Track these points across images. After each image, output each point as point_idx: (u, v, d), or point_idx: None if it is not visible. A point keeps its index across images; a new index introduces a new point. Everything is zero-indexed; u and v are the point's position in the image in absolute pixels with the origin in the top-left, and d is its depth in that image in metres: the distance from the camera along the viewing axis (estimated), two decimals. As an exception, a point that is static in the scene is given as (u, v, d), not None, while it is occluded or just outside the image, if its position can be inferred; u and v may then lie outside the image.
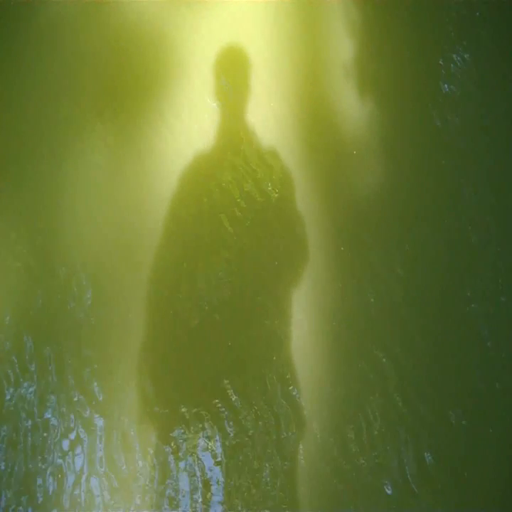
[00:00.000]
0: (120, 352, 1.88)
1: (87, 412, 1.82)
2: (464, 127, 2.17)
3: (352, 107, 2.18)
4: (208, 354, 1.89)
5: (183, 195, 2.06)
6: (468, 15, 2.32)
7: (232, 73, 2.22)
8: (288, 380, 1.86)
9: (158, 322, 1.92)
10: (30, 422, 1.81)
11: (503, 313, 1.95)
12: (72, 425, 1.81)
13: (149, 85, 2.21)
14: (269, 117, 2.16)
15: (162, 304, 1.94)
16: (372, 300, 1.95)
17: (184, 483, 1.77)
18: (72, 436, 1.80)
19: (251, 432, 1.81)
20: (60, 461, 1.78)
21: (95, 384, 1.85)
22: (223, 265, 1.98)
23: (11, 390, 1.84)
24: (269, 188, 2.07)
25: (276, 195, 2.07)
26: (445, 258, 2.01)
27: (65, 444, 1.80)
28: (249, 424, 1.82)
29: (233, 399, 1.84)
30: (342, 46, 2.25)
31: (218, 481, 1.77)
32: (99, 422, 1.82)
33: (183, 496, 1.76)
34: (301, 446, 1.80)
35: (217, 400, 1.84)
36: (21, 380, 1.85)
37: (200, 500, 1.75)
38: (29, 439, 1.80)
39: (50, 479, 1.76)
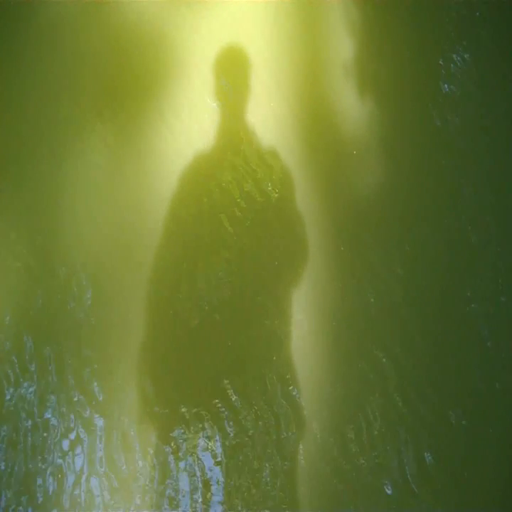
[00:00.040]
0: (120, 352, 1.88)
1: (87, 412, 1.82)
2: (464, 127, 2.17)
3: (352, 107, 2.18)
4: (208, 354, 1.89)
5: (183, 195, 2.06)
6: (468, 15, 2.32)
7: (232, 73, 2.22)
8: (288, 380, 1.86)
9: (158, 322, 1.92)
10: (30, 422, 1.81)
11: (503, 313, 1.95)
12: (72, 425, 1.81)
13: (149, 85, 2.21)
14: (269, 117, 2.16)
15: (162, 303, 1.94)
16: (372, 300, 1.95)
17: (184, 483, 1.77)
18: (72, 436, 1.80)
19: (251, 432, 1.81)
20: (60, 461, 1.78)
21: (95, 384, 1.85)
22: (223, 265, 1.98)
23: (11, 390, 1.84)
24: (269, 188, 2.07)
25: (276, 195, 2.07)
26: (445, 258, 2.01)
27: (65, 444, 1.80)
28: (249, 424, 1.82)
29: (233, 399, 1.84)
30: (342, 46, 2.25)
31: (218, 481, 1.77)
32: (99, 422, 1.82)
33: (183, 496, 1.76)
34: (301, 446, 1.80)
35: (217, 400, 1.84)
36: (21, 380, 1.85)
37: (200, 500, 1.75)
38: (29, 439, 1.80)
39: (50, 479, 1.76)
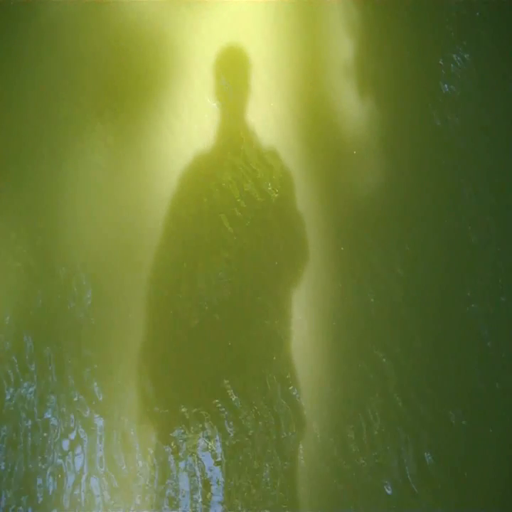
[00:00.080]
0: (120, 352, 1.88)
1: (87, 412, 1.82)
2: (464, 127, 2.17)
3: (352, 107, 2.18)
4: (208, 354, 1.89)
5: (183, 195, 2.06)
6: (468, 15, 2.32)
7: (232, 73, 2.22)
8: (288, 380, 1.86)
9: (158, 322, 1.92)
10: (30, 422, 1.81)
11: (503, 313, 1.95)
12: (72, 425, 1.81)
13: (149, 85, 2.21)
14: (269, 117, 2.16)
15: (162, 303, 1.94)
16: (372, 300, 1.95)
17: (184, 483, 1.77)
18: (72, 436, 1.80)
19: (251, 432, 1.81)
20: (60, 461, 1.78)
21: (95, 384, 1.85)
22: (223, 265, 1.98)
23: (11, 390, 1.84)
24: (269, 188, 2.07)
25: (276, 195, 2.07)
26: (445, 258, 2.01)
27: (65, 444, 1.80)
28: (249, 424, 1.82)
29: (233, 399, 1.84)
30: (342, 46, 2.25)
31: (218, 481, 1.77)
32: (99, 422, 1.82)
33: (183, 496, 1.76)
34: (301, 446, 1.80)
35: (217, 400, 1.84)
36: (21, 380, 1.85)
37: (200, 500, 1.75)
38: (29, 439, 1.80)
39: (50, 479, 1.76)
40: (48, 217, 2.04)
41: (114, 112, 2.17)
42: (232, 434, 1.81)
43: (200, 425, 1.82)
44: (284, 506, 1.75)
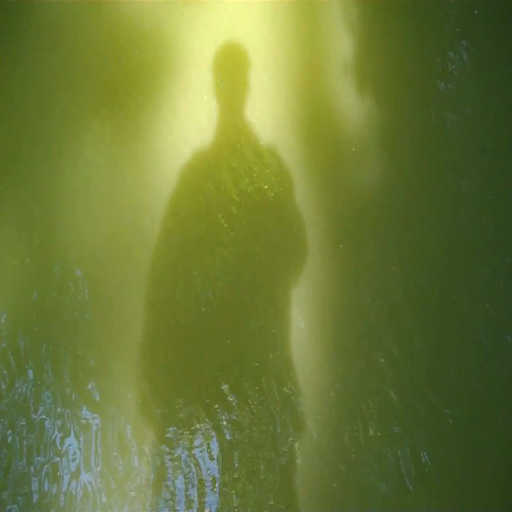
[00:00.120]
0: (116, 351, 1.88)
1: (83, 412, 1.82)
2: (463, 126, 2.16)
3: (351, 106, 2.18)
4: (204, 353, 1.88)
5: (180, 193, 2.06)
6: (467, 14, 2.31)
7: (231, 72, 2.22)
8: (285, 379, 1.85)
9: (155, 321, 1.92)
10: (25, 422, 1.81)
11: (502, 313, 1.94)
12: (67, 425, 1.81)
13: (148, 85, 2.21)
14: (267, 116, 2.16)
15: (159, 302, 1.94)
16: (370, 300, 1.95)
17: (180, 483, 1.76)
18: (68, 435, 1.80)
19: (247, 431, 1.81)
20: (55, 460, 1.77)
21: (91, 383, 1.85)
22: (220, 264, 1.98)
23: (6, 388, 1.84)
24: (267, 187, 2.07)
25: (273, 193, 2.06)
26: (444, 258, 2.01)
27: (61, 444, 1.79)
28: (246, 424, 1.81)
29: (230, 399, 1.84)
30: (341, 45, 2.25)
31: (215, 481, 1.76)
32: (95, 421, 1.81)
33: (179, 496, 1.75)
34: (298, 447, 1.79)
35: (214, 400, 1.84)
36: (17, 378, 1.85)
37: (196, 499, 1.75)
38: (24, 438, 1.79)
39: (46, 479, 1.76)
40: (45, 216, 2.04)
41: (113, 112, 2.18)
42: (228, 434, 1.80)
43: (197, 425, 1.81)
44: (281, 506, 1.74)
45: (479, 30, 2.28)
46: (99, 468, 1.76)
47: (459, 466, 1.77)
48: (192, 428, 1.81)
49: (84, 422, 1.81)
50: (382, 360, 1.88)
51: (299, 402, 1.83)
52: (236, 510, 1.74)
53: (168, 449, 1.79)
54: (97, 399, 1.83)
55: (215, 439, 1.80)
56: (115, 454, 1.78)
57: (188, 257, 1.98)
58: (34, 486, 1.75)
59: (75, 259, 1.98)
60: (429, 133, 2.16)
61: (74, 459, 1.77)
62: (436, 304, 1.95)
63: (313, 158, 2.11)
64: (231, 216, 2.03)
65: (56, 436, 1.79)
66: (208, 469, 1.77)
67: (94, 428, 1.80)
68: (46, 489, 1.75)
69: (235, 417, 1.82)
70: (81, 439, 1.79)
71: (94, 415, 1.81)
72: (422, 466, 1.77)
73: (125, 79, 2.22)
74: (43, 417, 1.81)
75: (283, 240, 2.01)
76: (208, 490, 1.75)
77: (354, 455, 1.78)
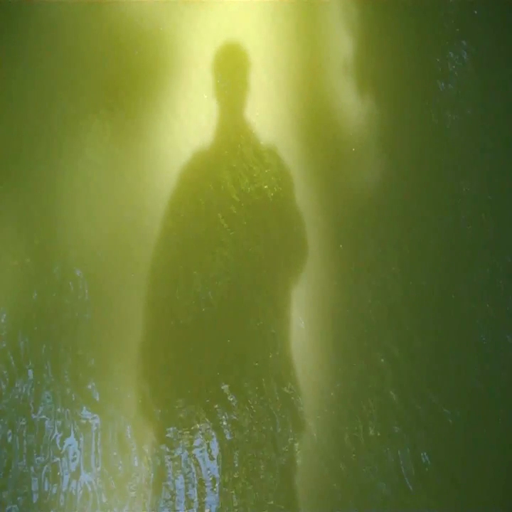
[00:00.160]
0: (116, 351, 1.88)
1: (83, 412, 1.82)
2: (463, 126, 2.16)
3: (351, 106, 2.18)
4: (204, 353, 1.88)
5: (180, 193, 2.06)
6: (467, 14, 2.31)
7: (231, 72, 2.22)
8: (285, 379, 1.85)
9: (155, 321, 1.92)
10: (25, 422, 1.80)
11: (502, 313, 1.94)
12: (67, 425, 1.81)
13: (148, 85, 2.21)
14: (267, 116, 2.16)
15: (159, 302, 1.94)
16: (370, 300, 1.95)
17: (180, 483, 1.76)
18: (68, 435, 1.80)
19: (247, 431, 1.80)
20: (55, 460, 1.77)
21: (91, 383, 1.85)
22: (220, 264, 1.98)
23: (6, 388, 1.84)
24: (267, 187, 2.07)
25: (273, 193, 2.06)
26: (444, 258, 2.01)
27: (61, 444, 1.79)
28: (246, 424, 1.81)
29: (230, 399, 1.84)
30: (341, 45, 2.25)
31: (215, 481, 1.76)
32: (95, 421, 1.81)
33: (179, 496, 1.75)
34: (298, 447, 1.79)
35: (214, 400, 1.84)
36: (17, 378, 1.85)
37: (196, 499, 1.75)
38: (24, 438, 1.79)
39: (46, 479, 1.75)
40: (45, 216, 2.04)
41: (113, 112, 2.17)
42: (228, 434, 1.80)
43: (197, 425, 1.81)
44: (281, 506, 1.74)
45: (479, 30, 2.28)
46: (99, 468, 1.76)
47: (459, 466, 1.77)
48: (192, 428, 1.81)
49: (84, 422, 1.81)
50: (382, 360, 1.88)
51: (299, 402, 1.83)
52: (236, 510, 1.74)
53: (168, 449, 1.79)
54: (97, 399, 1.83)
55: (215, 439, 1.80)
56: (115, 454, 1.78)
57: (188, 257, 1.98)
58: (34, 486, 1.75)
59: (75, 259, 1.98)
60: (429, 133, 2.16)
61: (74, 459, 1.77)
62: (436, 304, 1.95)
63: (313, 158, 2.11)
64: (231, 216, 2.03)
65: (56, 436, 1.79)
66: (208, 469, 1.77)
67: (94, 428, 1.80)
68: (46, 489, 1.75)
69: (235, 417, 1.82)
70: (81, 439, 1.79)
71: (94, 415, 1.81)
72: (422, 466, 1.77)
73: (125, 79, 2.22)
74: (43, 417, 1.81)
75: (283, 239, 2.01)
76: (208, 490, 1.75)
77: (354, 455, 1.78)
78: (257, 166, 2.09)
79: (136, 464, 1.77)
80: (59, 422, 1.80)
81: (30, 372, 1.85)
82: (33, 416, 1.81)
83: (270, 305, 1.93)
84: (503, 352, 1.89)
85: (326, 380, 1.85)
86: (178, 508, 1.74)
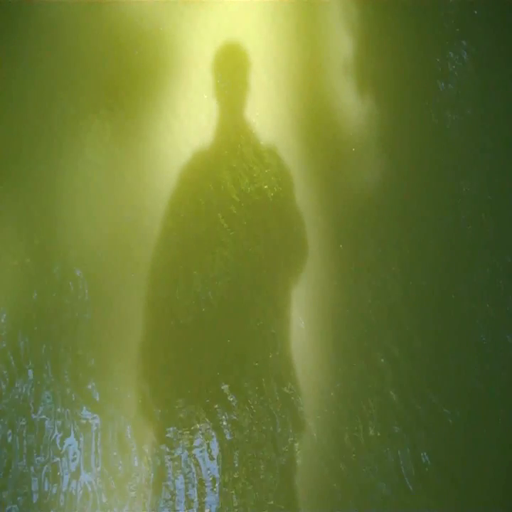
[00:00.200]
0: (116, 351, 1.88)
1: (83, 412, 1.82)
2: (463, 126, 2.16)
3: (351, 106, 2.18)
4: (204, 353, 1.88)
5: (180, 193, 2.06)
6: (466, 14, 2.31)
7: (231, 72, 2.22)
8: (285, 379, 1.85)
9: (155, 321, 1.92)
10: (25, 422, 1.80)
11: (502, 313, 1.94)
12: (67, 425, 1.81)
13: (148, 85, 2.21)
14: (267, 116, 2.16)
15: (159, 302, 1.94)
16: (370, 300, 1.95)
17: (180, 483, 1.76)
18: (68, 435, 1.80)
19: (247, 431, 1.80)
20: (55, 460, 1.77)
21: (91, 383, 1.85)
22: (220, 264, 1.98)
23: (6, 388, 1.83)
24: (267, 187, 2.07)
25: (273, 193, 2.06)
26: (444, 258, 2.01)
27: (61, 444, 1.79)
28: (246, 424, 1.81)
29: (230, 399, 1.84)
30: (341, 45, 2.25)
31: (215, 481, 1.76)
32: (95, 421, 1.81)
33: (179, 496, 1.75)
34: (298, 447, 1.79)
35: (214, 400, 1.84)
36: (17, 378, 1.85)
37: (196, 499, 1.75)
38: (24, 438, 1.79)
39: (46, 479, 1.75)
40: (45, 216, 2.04)
41: (113, 112, 2.17)
42: (228, 434, 1.80)
43: (197, 425, 1.81)
44: (281, 506, 1.74)
45: (479, 30, 2.28)
46: (99, 468, 1.76)
47: (459, 466, 1.77)
48: (192, 428, 1.81)
49: (84, 422, 1.81)
50: (382, 360, 1.88)
51: (299, 402, 1.83)
52: (236, 510, 1.74)
53: (168, 449, 1.79)
54: (97, 399, 1.83)
55: (215, 439, 1.80)
56: (115, 454, 1.78)
57: (188, 257, 1.98)
58: (34, 486, 1.75)
59: (75, 259, 1.98)
60: (429, 133, 2.16)
61: (74, 459, 1.77)
62: (436, 304, 1.95)
63: (313, 158, 2.11)
64: (231, 216, 2.03)
65: (56, 436, 1.79)
66: (208, 469, 1.77)
67: (94, 428, 1.80)
68: (46, 489, 1.75)
69: (235, 417, 1.82)
70: (81, 439, 1.79)
71: (94, 415, 1.81)
72: (422, 466, 1.77)
73: (125, 79, 2.22)
74: (43, 417, 1.81)
75: (283, 239, 2.01)
76: (208, 490, 1.75)
77: (354, 455, 1.78)
78: (257, 166, 2.09)
79: (136, 463, 1.77)
80: (59, 422, 1.80)
81: (30, 372, 1.85)
82: (33, 416, 1.81)
83: (270, 305, 1.93)
84: (503, 352, 1.89)
85: (326, 380, 1.85)
86: (178, 508, 1.74)
